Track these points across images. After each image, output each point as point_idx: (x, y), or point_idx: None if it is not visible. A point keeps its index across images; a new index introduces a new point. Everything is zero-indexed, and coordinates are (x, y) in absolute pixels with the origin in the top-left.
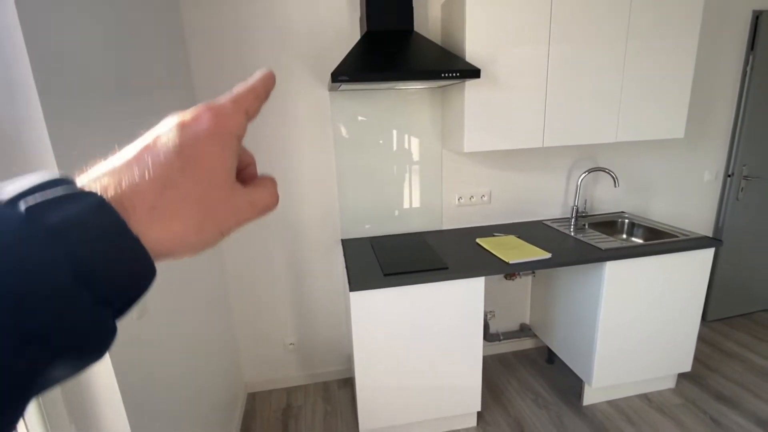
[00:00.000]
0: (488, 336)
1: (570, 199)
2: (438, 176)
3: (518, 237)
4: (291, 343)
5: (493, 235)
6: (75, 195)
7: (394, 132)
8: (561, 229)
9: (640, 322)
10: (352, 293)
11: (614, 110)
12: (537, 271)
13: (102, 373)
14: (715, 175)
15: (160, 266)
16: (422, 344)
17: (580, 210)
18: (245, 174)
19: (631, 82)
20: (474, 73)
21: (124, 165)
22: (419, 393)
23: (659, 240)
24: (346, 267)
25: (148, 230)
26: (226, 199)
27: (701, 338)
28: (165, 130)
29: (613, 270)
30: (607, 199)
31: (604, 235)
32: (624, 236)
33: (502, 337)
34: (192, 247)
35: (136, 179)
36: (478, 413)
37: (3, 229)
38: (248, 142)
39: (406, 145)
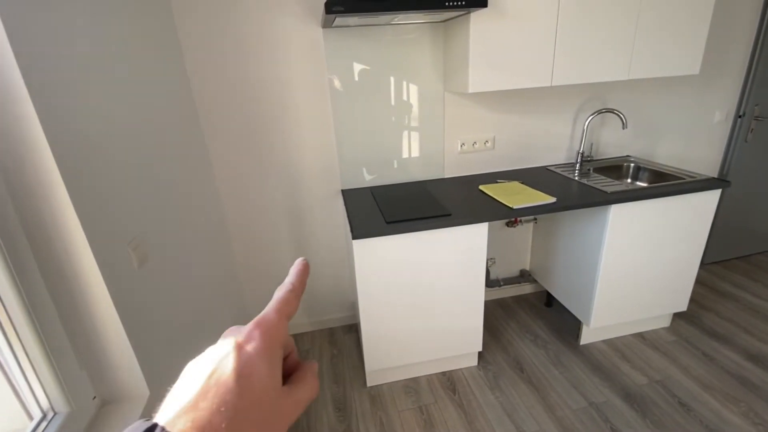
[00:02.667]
0: (489, 282)
1: (575, 144)
2: (440, 121)
3: (522, 183)
4: None
5: (497, 182)
6: None
7: (393, 74)
8: (566, 174)
9: (640, 264)
10: (355, 241)
11: (628, 45)
12: (539, 217)
13: (107, 319)
14: (725, 115)
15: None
16: (425, 289)
17: (585, 155)
18: (287, 363)
19: (647, 14)
20: (481, 0)
21: (195, 401)
22: (422, 335)
23: (665, 182)
24: (348, 216)
25: None
26: (277, 409)
27: (697, 280)
28: (224, 354)
29: (618, 213)
30: (612, 143)
31: (610, 179)
32: (629, 180)
33: (502, 283)
34: None
35: (207, 416)
36: (479, 353)
37: None
38: (241, 85)
39: (406, 88)
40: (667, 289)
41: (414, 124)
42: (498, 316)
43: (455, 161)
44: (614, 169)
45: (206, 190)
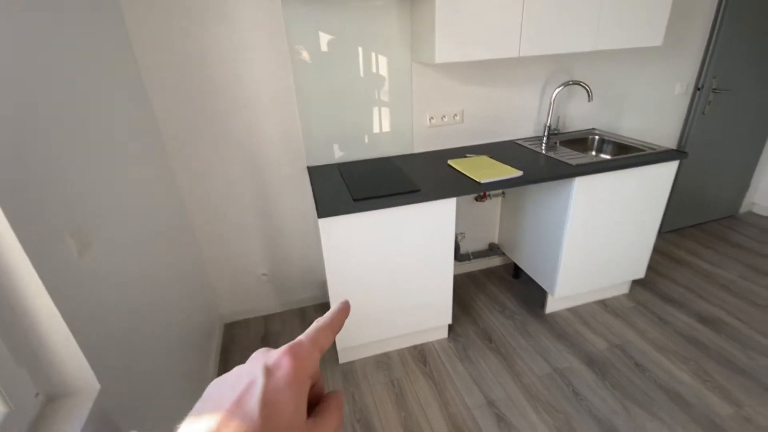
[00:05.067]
0: (459, 256)
1: (543, 117)
2: (408, 94)
3: (490, 157)
4: (264, 274)
5: (466, 156)
6: None
7: (359, 44)
8: (533, 147)
9: (602, 234)
10: (320, 220)
11: (594, 16)
12: (507, 191)
13: (44, 312)
14: (686, 87)
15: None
16: (395, 265)
17: (552, 128)
18: (312, 393)
19: None
20: None
21: (218, 427)
22: (393, 311)
23: (627, 155)
24: (314, 194)
25: None
26: None
27: (654, 248)
28: (251, 379)
29: (581, 185)
30: (579, 116)
31: (575, 152)
32: (594, 153)
33: (471, 257)
34: None
35: None
36: (450, 326)
37: None
38: (194, 60)
39: (373, 61)
40: (626, 257)
41: (383, 98)
42: (468, 290)
43: (424, 136)
44: (580, 141)
45: (161, 174)
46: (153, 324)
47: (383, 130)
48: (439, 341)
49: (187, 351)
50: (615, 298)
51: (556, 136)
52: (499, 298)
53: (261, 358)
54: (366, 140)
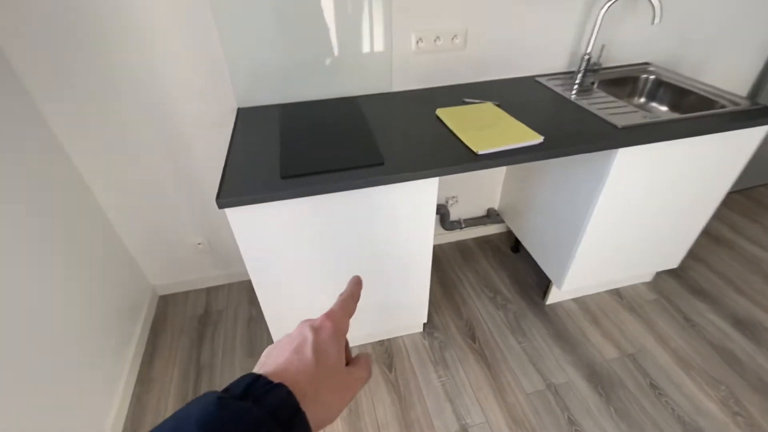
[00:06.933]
0: (447, 225)
1: (581, 45)
2: (385, 1)
3: (498, 105)
4: (199, 243)
5: (463, 103)
6: (273, 388)
7: None
8: (559, 90)
9: (637, 220)
10: (227, 210)
11: None
12: None
13: None
14: None
15: None
16: (348, 262)
17: (592, 61)
18: (344, 356)
19: None
20: None
21: (285, 366)
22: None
23: (694, 113)
24: (226, 159)
25: (307, 411)
26: (342, 380)
27: None
28: (304, 336)
29: (625, 157)
30: (630, 45)
31: (617, 101)
32: (643, 99)
33: (463, 225)
34: (329, 420)
35: (294, 377)
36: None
37: (248, 416)
38: None
39: None
40: (661, 246)
41: (348, 7)
42: (455, 264)
43: (409, 66)
44: (625, 82)
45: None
46: (46, 303)
47: (348, 58)
48: (411, 336)
49: (106, 327)
50: (633, 288)
51: (594, 74)
52: (491, 279)
53: (307, 324)
54: (323, 72)
